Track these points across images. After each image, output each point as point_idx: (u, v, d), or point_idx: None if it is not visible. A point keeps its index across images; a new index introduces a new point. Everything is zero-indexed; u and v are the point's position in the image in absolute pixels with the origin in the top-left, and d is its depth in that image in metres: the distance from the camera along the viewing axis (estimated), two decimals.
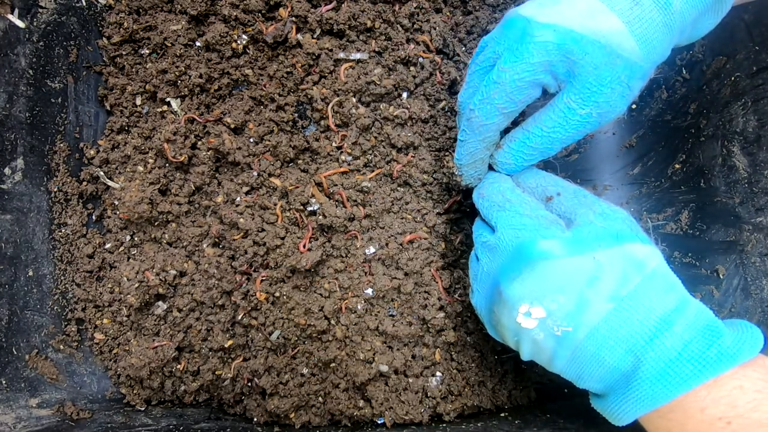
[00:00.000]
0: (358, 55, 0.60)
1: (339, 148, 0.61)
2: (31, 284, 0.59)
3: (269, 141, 0.61)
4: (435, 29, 0.61)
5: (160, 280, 0.60)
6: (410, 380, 0.59)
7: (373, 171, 0.61)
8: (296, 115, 0.62)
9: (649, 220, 0.67)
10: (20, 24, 0.58)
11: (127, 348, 0.62)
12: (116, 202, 0.63)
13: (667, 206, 0.67)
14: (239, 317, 0.59)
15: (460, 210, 0.61)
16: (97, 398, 0.61)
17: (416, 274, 0.59)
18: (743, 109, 0.57)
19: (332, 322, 0.58)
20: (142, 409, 0.61)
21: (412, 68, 0.60)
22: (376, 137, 0.60)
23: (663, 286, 0.41)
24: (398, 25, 0.61)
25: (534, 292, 0.42)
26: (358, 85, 0.59)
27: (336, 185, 0.60)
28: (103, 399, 0.62)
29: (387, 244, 0.59)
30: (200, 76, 0.61)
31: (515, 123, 0.49)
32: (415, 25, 0.61)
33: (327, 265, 0.59)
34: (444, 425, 0.58)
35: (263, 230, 0.59)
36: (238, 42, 0.61)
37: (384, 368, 0.57)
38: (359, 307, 0.58)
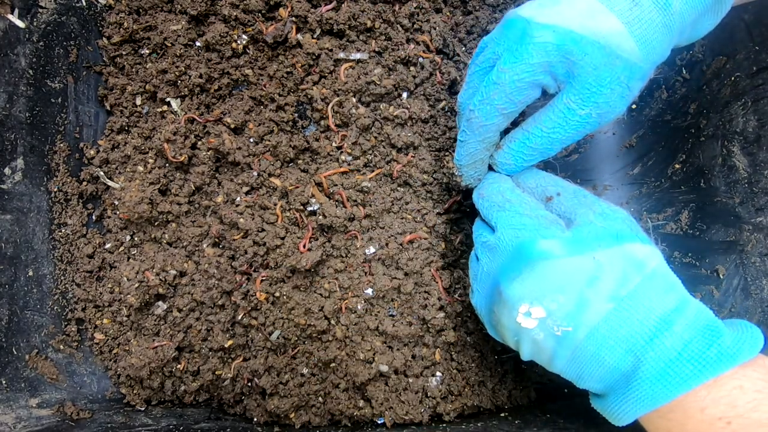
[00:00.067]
0: (358, 55, 0.60)
1: (339, 148, 0.61)
2: (31, 284, 0.59)
3: (269, 141, 0.61)
4: (435, 29, 0.61)
5: (160, 280, 0.60)
6: (410, 380, 0.59)
7: (373, 171, 0.61)
8: (296, 115, 0.62)
9: (649, 220, 0.67)
10: (20, 24, 0.58)
11: (127, 348, 0.62)
12: (116, 202, 0.63)
13: (667, 206, 0.67)
14: (239, 317, 0.59)
15: (460, 210, 0.61)
16: (97, 398, 0.61)
17: (416, 274, 0.59)
18: (743, 109, 0.57)
19: (332, 322, 0.58)
20: (142, 409, 0.61)
21: (412, 68, 0.60)
22: (376, 137, 0.60)
23: (663, 286, 0.41)
24: (398, 25, 0.61)
25: (534, 292, 0.42)
26: (358, 85, 0.59)
27: (336, 185, 0.60)
28: (103, 399, 0.62)
29: (387, 244, 0.59)
30: (200, 76, 0.61)
31: (515, 123, 0.49)
32: (415, 25, 0.61)
33: (327, 265, 0.59)
34: (444, 425, 0.58)
35: (263, 230, 0.59)
36: (238, 42, 0.61)
37: (384, 368, 0.57)
38: (359, 307, 0.58)
